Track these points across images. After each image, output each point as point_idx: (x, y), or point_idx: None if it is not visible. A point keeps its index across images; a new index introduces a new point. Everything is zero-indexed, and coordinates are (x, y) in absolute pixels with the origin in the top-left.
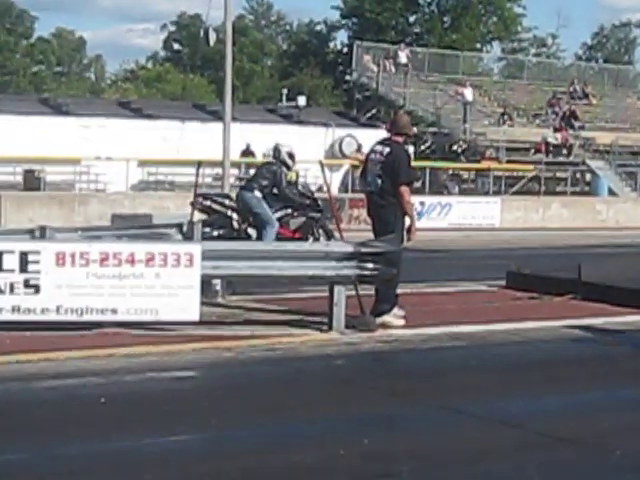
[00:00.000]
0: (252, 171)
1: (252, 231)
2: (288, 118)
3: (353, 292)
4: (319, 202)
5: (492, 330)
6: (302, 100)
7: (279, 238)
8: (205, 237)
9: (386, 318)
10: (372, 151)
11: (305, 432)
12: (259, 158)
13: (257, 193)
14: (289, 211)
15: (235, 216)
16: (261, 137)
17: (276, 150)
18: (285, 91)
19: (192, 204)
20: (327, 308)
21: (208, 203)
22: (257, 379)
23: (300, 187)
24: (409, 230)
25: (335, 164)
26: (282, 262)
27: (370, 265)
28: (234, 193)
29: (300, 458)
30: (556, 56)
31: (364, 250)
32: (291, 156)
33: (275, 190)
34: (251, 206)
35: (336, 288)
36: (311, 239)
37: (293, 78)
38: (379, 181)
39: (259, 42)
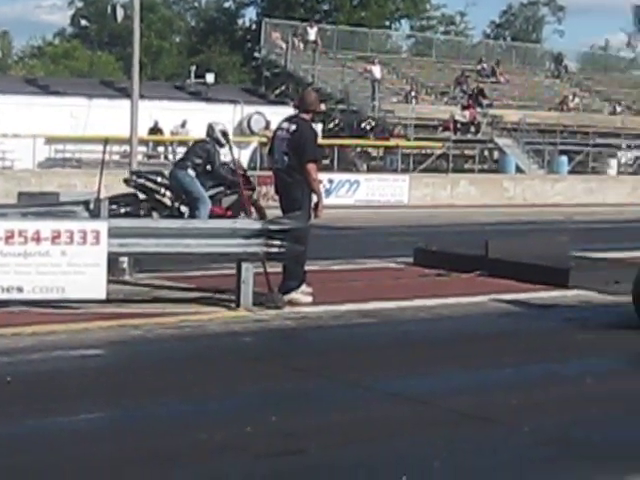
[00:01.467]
0: (182, 149)
1: (185, 209)
2: (196, 95)
3: (261, 269)
4: (251, 180)
5: (400, 307)
6: (210, 77)
7: (212, 216)
8: (112, 214)
9: (294, 295)
10: (279, 128)
11: (212, 410)
12: (167, 135)
13: (190, 171)
14: (222, 189)
15: (168, 194)
16: (169, 114)
17: (210, 128)
18: (194, 68)
19: (126, 181)
20: (235, 286)
21: (142, 181)
22: (165, 357)
23: (232, 165)
24: (316, 207)
25: (243, 141)
26: (189, 239)
27: (278, 242)
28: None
29: (207, 436)
30: (464, 34)
31: (272, 227)
32: (224, 134)
33: (208, 168)
34: (184, 184)
35: (244, 265)
36: (243, 216)
37: (202, 55)
38: (286, 158)
39: (167, 19)
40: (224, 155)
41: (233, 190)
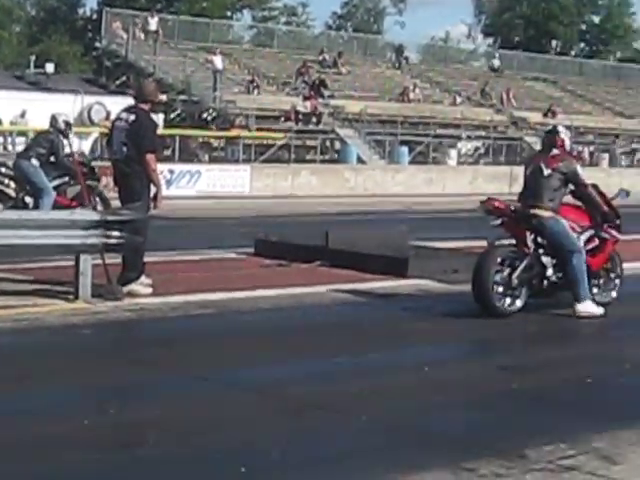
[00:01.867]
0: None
1: (29, 200)
2: (36, 85)
3: (100, 261)
4: (95, 170)
5: (240, 298)
6: (50, 67)
7: (56, 206)
8: None
9: (133, 287)
10: (118, 118)
11: (49, 403)
12: (6, 125)
13: (34, 161)
14: (66, 179)
15: (12, 185)
16: (8, 104)
17: (53, 119)
18: (33, 58)
19: None
20: (73, 278)
21: None
22: (0, 350)
23: (77, 155)
24: (155, 198)
25: (84, 132)
26: (26, 231)
27: (116, 233)
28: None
29: (44, 429)
30: (306, 25)
31: (110, 218)
32: (68, 124)
33: (52, 159)
34: (28, 174)
35: (82, 257)
36: (89, 206)
37: (41, 45)
38: (124, 149)
39: (7, 8)
40: (68, 145)
41: (77, 180)
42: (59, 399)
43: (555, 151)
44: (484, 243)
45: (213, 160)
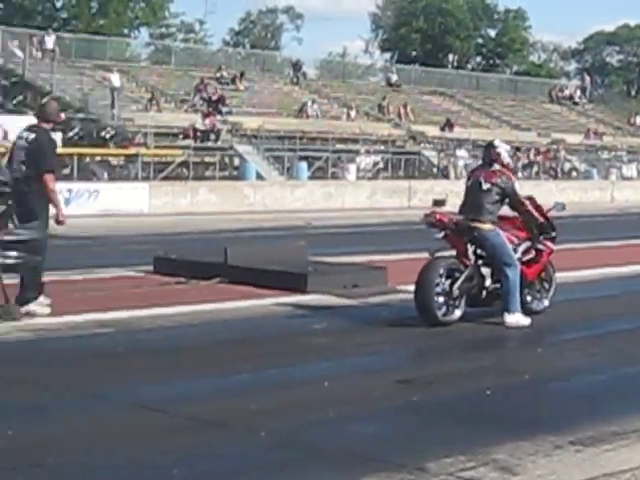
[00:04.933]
0: None
1: None
2: None
3: None
4: None
5: (139, 316)
6: None
7: None
8: None
9: (31, 307)
10: (19, 137)
11: None
12: None
13: None
14: None
15: None
16: None
17: None
18: None
19: None
20: None
21: None
22: None
23: None
24: (57, 218)
25: None
26: None
27: (14, 253)
28: None
29: None
30: (204, 42)
31: (7, 238)
32: None
33: None
34: None
35: None
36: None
37: None
38: (24, 168)
39: None
40: None
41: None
42: None
43: (495, 166)
44: (383, 257)
45: (112, 178)
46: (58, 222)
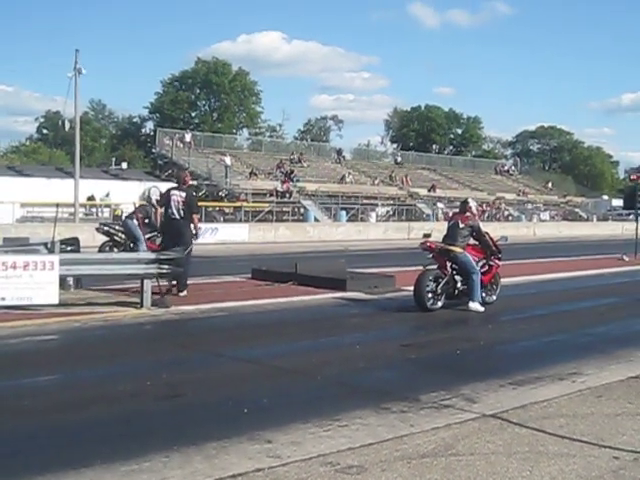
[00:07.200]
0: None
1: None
2: (116, 176)
3: (156, 283)
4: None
5: (243, 305)
6: (124, 165)
7: (149, 250)
8: (62, 251)
9: (181, 294)
10: (171, 193)
11: (124, 371)
12: (97, 201)
13: (135, 221)
14: (155, 233)
15: (122, 235)
16: (99, 188)
17: (148, 197)
18: (114, 159)
19: (97, 229)
20: (139, 294)
21: (106, 228)
22: (95, 340)
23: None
24: (196, 234)
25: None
26: (110, 265)
27: (166, 266)
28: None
29: (120, 388)
30: (282, 137)
31: (161, 257)
32: (158, 200)
33: (147, 221)
34: (131, 229)
35: (145, 281)
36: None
37: (119, 151)
38: (182, 212)
39: (97, 128)
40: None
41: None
42: (130, 368)
43: (468, 213)
44: (393, 269)
45: (225, 220)
46: (196, 236)
